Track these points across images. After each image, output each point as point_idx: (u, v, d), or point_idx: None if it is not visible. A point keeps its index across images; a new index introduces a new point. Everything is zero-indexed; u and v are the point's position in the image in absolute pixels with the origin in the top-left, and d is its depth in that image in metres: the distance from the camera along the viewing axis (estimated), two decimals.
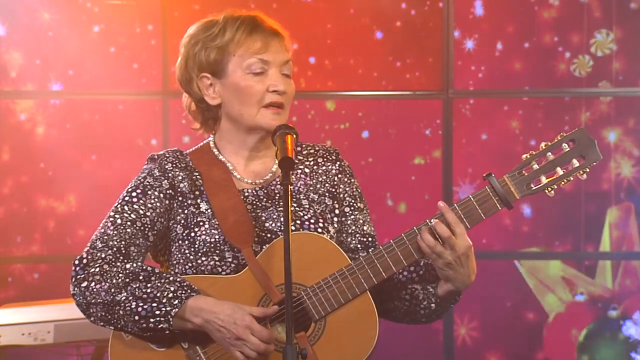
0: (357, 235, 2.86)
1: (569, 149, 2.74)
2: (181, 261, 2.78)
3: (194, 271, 2.75)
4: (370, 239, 2.87)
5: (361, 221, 2.88)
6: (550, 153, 2.74)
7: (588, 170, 2.76)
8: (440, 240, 2.68)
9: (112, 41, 6.01)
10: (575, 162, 2.74)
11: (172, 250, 2.80)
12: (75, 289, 2.70)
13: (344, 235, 2.87)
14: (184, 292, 2.65)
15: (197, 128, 2.92)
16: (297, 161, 2.88)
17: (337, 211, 2.86)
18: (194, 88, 2.85)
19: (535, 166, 2.73)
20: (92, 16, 5.99)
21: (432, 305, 2.80)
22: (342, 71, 6.01)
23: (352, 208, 2.88)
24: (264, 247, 2.74)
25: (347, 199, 2.88)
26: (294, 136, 2.68)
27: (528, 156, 2.74)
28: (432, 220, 2.71)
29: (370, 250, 2.83)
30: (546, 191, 2.74)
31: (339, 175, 2.89)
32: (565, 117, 6.08)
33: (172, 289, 2.65)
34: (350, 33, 6.00)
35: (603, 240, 6.08)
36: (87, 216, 5.96)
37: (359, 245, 2.86)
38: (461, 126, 6.07)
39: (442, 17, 6.01)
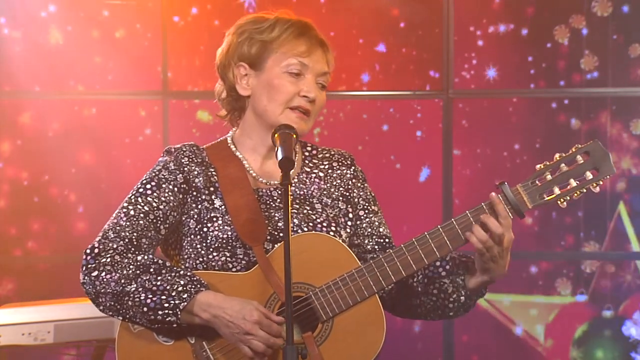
0: (374, 236, 2.88)
1: (582, 161, 2.75)
2: (192, 256, 2.78)
3: (205, 266, 2.76)
4: (387, 240, 2.89)
5: (377, 223, 2.90)
6: (564, 164, 2.74)
7: (601, 183, 2.76)
8: (491, 234, 2.69)
9: (112, 41, 6.02)
10: (589, 175, 2.75)
11: (184, 244, 2.81)
12: (86, 277, 2.71)
13: (361, 237, 2.88)
14: (193, 286, 2.66)
15: (223, 115, 2.93)
16: (311, 165, 2.90)
17: (350, 215, 2.88)
18: (229, 75, 2.86)
19: (549, 177, 2.74)
20: (92, 15, 6.00)
21: (462, 297, 2.81)
22: (342, 71, 6.02)
23: (367, 211, 2.90)
24: (276, 245, 2.75)
25: (362, 202, 2.90)
26: (294, 136, 2.70)
27: (542, 167, 2.75)
28: (469, 214, 2.71)
29: (387, 250, 2.84)
30: (558, 202, 2.75)
31: (353, 180, 2.91)
32: (565, 116, 6.09)
33: (182, 282, 2.66)
34: (350, 33, 6.02)
35: (602, 240, 6.08)
36: (87, 215, 5.95)
37: (376, 247, 2.88)
38: (461, 126, 6.08)
39: (442, 17, 6.03)
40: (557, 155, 2.76)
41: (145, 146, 5.95)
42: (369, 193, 2.92)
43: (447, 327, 6.01)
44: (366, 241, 2.88)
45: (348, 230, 2.86)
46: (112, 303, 2.68)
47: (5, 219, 6.02)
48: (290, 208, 2.56)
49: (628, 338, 6.04)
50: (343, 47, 5.99)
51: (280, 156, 2.60)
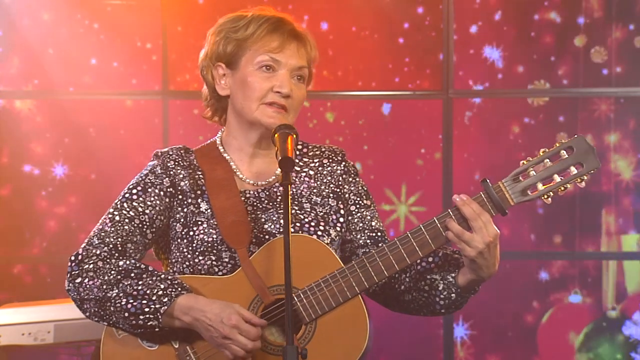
0: (366, 231, 2.87)
1: (567, 156, 2.72)
2: (179, 260, 2.79)
3: (191, 270, 2.76)
4: (379, 234, 2.87)
5: (369, 217, 2.88)
6: (548, 160, 2.72)
7: (586, 177, 2.73)
8: (469, 224, 2.67)
9: (112, 40, 6.02)
10: (574, 170, 2.72)
11: (172, 248, 2.82)
12: (70, 284, 2.72)
13: (353, 233, 2.87)
14: (174, 290, 2.66)
15: (208, 117, 2.94)
16: (302, 163, 2.89)
17: (342, 211, 2.87)
18: (209, 77, 2.87)
19: (533, 173, 2.72)
20: (92, 15, 6.00)
21: (453, 295, 2.78)
22: (342, 70, 6.01)
23: (358, 206, 2.88)
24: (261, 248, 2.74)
25: (352, 197, 2.89)
26: (294, 136, 2.68)
27: (525, 162, 2.72)
28: (450, 211, 2.69)
29: (380, 244, 2.84)
30: (543, 198, 2.72)
31: (344, 176, 2.90)
32: (565, 117, 6.07)
33: (162, 286, 2.66)
34: (350, 31, 6.01)
35: (602, 240, 6.06)
36: (87, 216, 5.97)
37: (368, 241, 2.86)
38: (461, 125, 6.06)
39: (442, 17, 6.01)
40: (540, 151, 2.73)
41: (145, 146, 5.95)
42: (360, 187, 2.91)
43: (448, 324, 6.00)
44: (358, 236, 2.87)
45: (338, 228, 2.84)
46: (96, 309, 2.69)
47: (6, 219, 6.03)
48: (289, 207, 2.54)
49: (628, 338, 6.02)
50: (343, 47, 5.97)
51: (280, 156, 2.58)
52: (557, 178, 2.72)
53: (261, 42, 2.79)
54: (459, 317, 6.01)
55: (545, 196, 2.72)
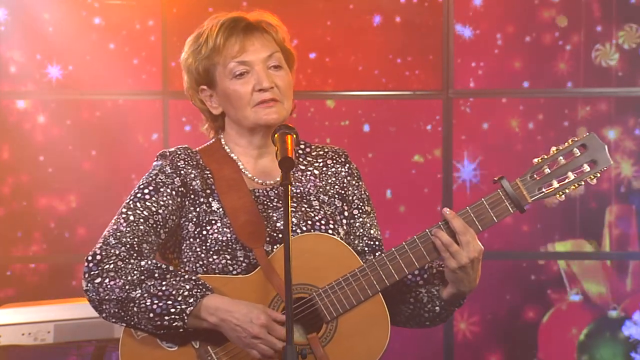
0: (365, 238, 2.88)
1: (579, 153, 2.75)
2: (192, 259, 2.78)
3: (205, 269, 2.76)
4: (377, 243, 2.89)
5: (368, 224, 2.90)
6: (561, 157, 2.76)
7: (599, 175, 2.78)
8: (456, 237, 2.69)
9: (112, 40, 6.01)
10: (586, 167, 2.75)
11: (183, 248, 2.81)
12: (89, 285, 2.69)
13: (352, 237, 2.89)
14: (199, 290, 2.65)
15: (212, 137, 2.95)
16: (306, 162, 2.90)
17: (346, 213, 2.88)
18: (197, 102, 2.90)
19: (547, 170, 2.75)
20: (92, 14, 5.99)
21: (437, 308, 2.82)
22: (342, 69, 6.02)
23: (361, 211, 2.90)
24: (275, 247, 2.75)
25: (356, 201, 2.90)
26: (294, 136, 2.70)
27: (539, 160, 2.76)
28: (441, 224, 2.72)
29: (377, 253, 2.86)
30: (557, 196, 2.76)
31: (348, 178, 2.91)
32: (565, 113, 6.10)
33: (187, 287, 2.66)
34: (350, 31, 6.01)
35: (603, 240, 6.10)
36: (87, 215, 5.95)
37: (365, 248, 2.88)
38: (461, 125, 6.08)
39: (442, 16, 6.02)
40: (553, 149, 2.76)
41: (145, 146, 5.94)
42: (363, 192, 2.92)
43: (448, 322, 6.02)
44: (356, 241, 2.88)
45: (344, 227, 2.86)
46: (117, 310, 2.67)
47: (6, 219, 6.01)
48: (289, 207, 2.54)
49: (628, 338, 6.06)
50: (343, 47, 5.98)
51: (280, 156, 2.59)
52: (571, 175, 2.75)
53: (224, 52, 2.81)
54: (459, 316, 6.02)
55: (560, 193, 2.76)
